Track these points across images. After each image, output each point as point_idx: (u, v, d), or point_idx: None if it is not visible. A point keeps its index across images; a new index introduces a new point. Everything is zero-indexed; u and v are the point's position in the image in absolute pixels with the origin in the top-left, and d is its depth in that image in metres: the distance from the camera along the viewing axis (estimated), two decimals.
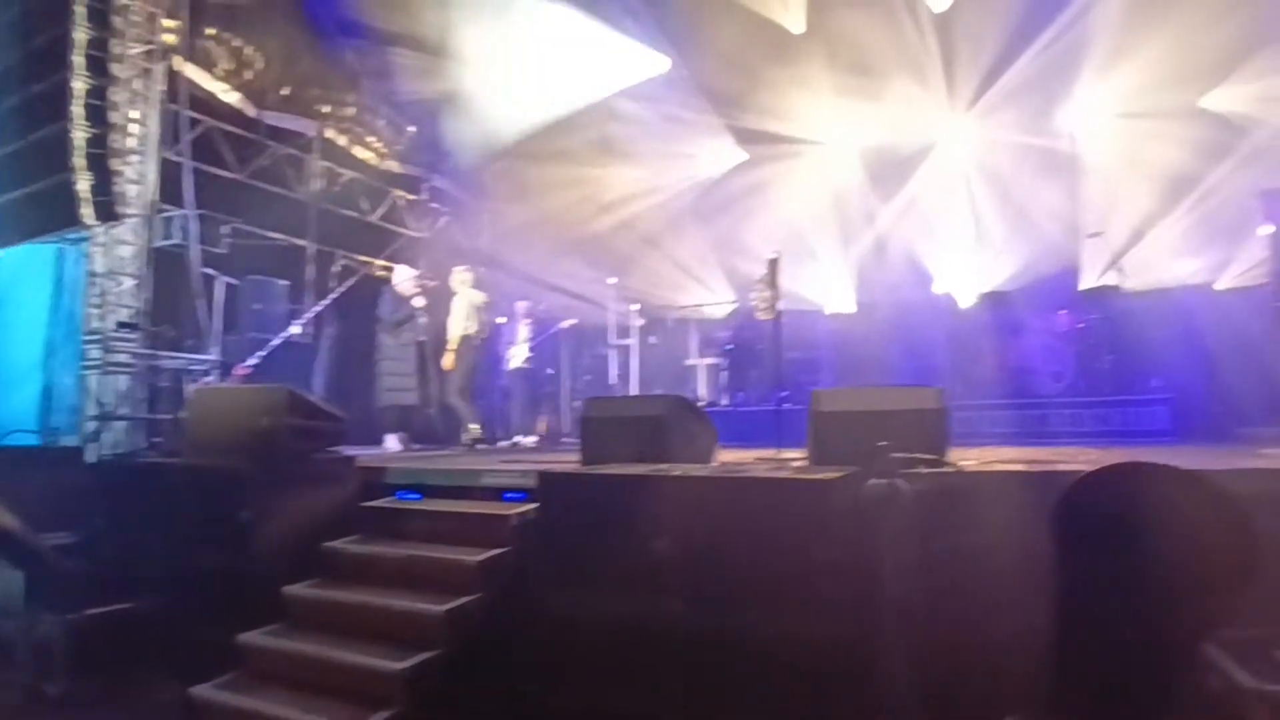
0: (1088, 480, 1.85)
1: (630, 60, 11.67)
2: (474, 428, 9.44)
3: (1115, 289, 10.02)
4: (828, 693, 3.51)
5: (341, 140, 11.99)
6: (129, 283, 8.65)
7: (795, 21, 10.94)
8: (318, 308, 10.64)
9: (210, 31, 9.97)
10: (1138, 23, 9.94)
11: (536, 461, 6.35)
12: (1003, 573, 3.88)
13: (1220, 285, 10.14)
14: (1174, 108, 10.34)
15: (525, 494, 5.08)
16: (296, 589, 5.13)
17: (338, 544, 5.36)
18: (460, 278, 9.79)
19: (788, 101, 11.54)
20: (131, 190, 8.37)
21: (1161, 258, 10.65)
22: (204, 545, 5.41)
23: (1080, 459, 5.63)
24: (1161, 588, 1.69)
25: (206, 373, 8.83)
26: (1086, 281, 10.58)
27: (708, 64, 11.54)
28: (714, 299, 12.23)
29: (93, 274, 8.15)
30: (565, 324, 10.95)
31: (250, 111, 10.62)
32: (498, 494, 5.26)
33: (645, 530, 3.78)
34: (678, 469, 4.07)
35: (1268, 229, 8.68)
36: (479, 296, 9.75)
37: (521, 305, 10.65)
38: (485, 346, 9.96)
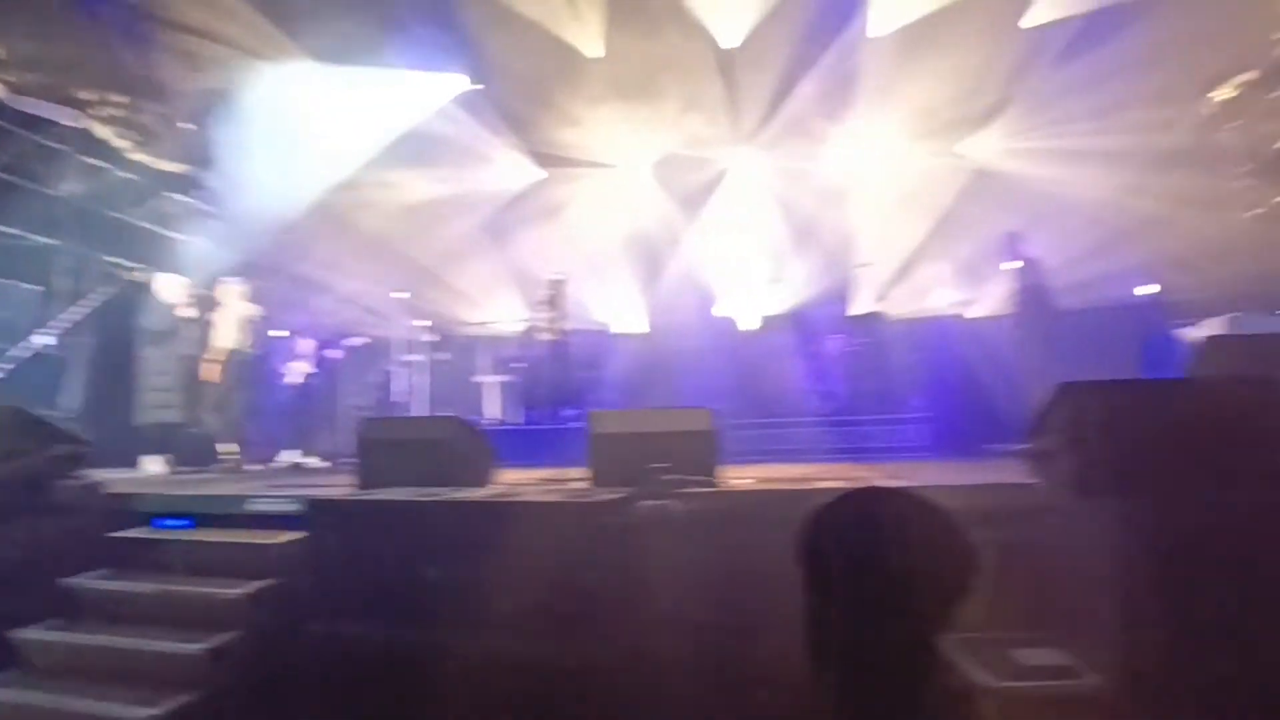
0: (828, 507, 1.97)
1: (424, 89, 11.67)
2: (229, 449, 8.94)
3: (881, 315, 10.75)
4: (605, 714, 3.54)
5: (105, 133, 11.00)
6: None
7: (593, 46, 11.07)
8: (72, 316, 9.71)
9: None
10: (905, 69, 10.77)
11: (309, 485, 6.06)
12: (769, 589, 4.06)
13: (976, 313, 11.11)
14: (936, 150, 11.32)
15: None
16: (30, 633, 4.65)
17: (81, 580, 4.89)
18: (229, 289, 9.20)
19: (583, 123, 11.68)
20: None
21: (923, 287, 11.56)
22: None
23: (848, 475, 6.03)
24: (894, 599, 1.84)
25: None
26: (856, 308, 11.29)
27: (505, 83, 11.53)
28: (506, 317, 12.14)
29: None
30: (354, 342, 10.50)
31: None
32: (265, 520, 4.98)
33: (418, 558, 3.69)
34: (451, 494, 3.99)
35: (1011, 265, 9.68)
36: (251, 309, 9.18)
37: (305, 319, 10.13)
38: (259, 362, 9.38)
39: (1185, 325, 8.26)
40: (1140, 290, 10.54)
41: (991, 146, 11.33)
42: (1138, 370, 9.46)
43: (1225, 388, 3.82)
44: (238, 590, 4.50)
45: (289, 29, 10.76)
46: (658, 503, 3.94)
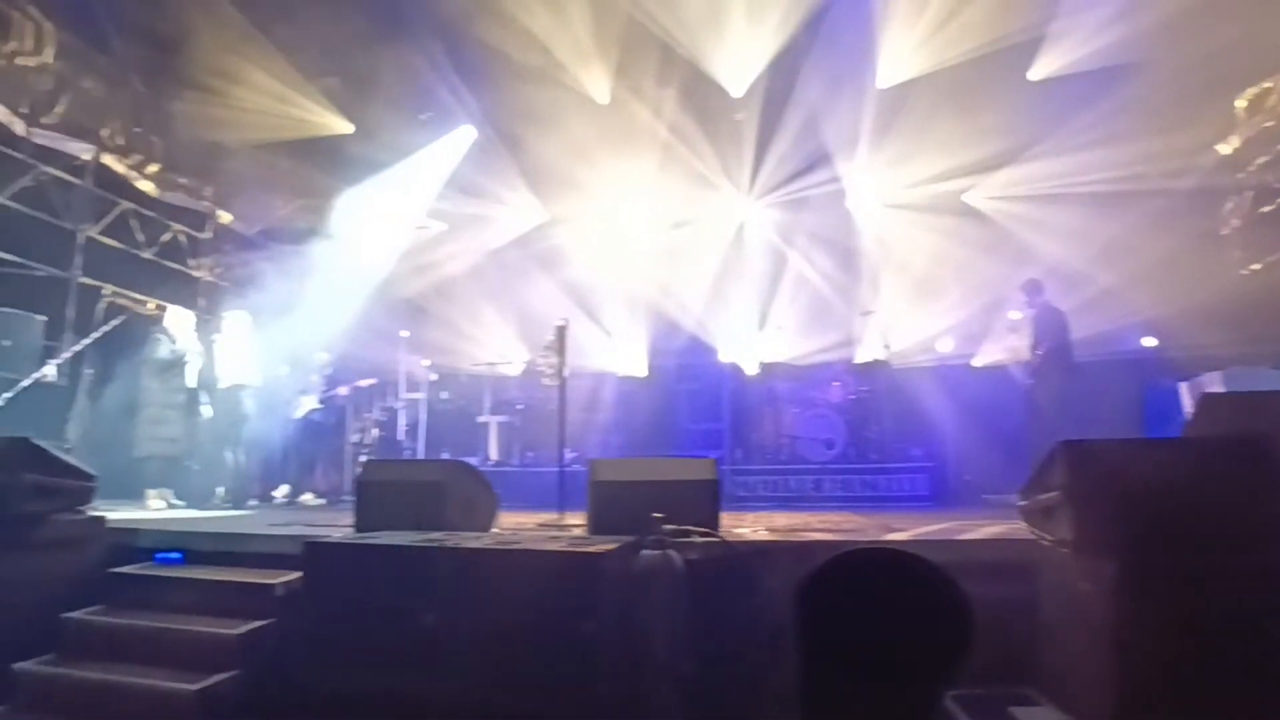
0: (822, 568, 2.00)
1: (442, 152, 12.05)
2: (220, 491, 8.98)
3: (884, 364, 10.78)
4: None
5: (119, 167, 11.15)
6: None
7: (601, 92, 11.23)
8: (77, 347, 9.76)
9: None
10: (912, 120, 10.91)
11: (308, 525, 6.07)
12: (766, 640, 4.08)
13: (976, 362, 11.13)
14: (940, 201, 11.43)
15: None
16: (27, 666, 4.64)
17: (79, 614, 4.90)
18: (236, 321, 9.27)
19: (589, 169, 11.80)
20: None
21: (925, 336, 11.60)
22: None
23: (845, 525, 6.03)
24: (891, 659, 1.87)
25: None
26: (859, 356, 11.33)
27: (514, 128, 11.70)
28: (507, 357, 12.21)
29: None
30: (363, 383, 10.54)
31: (17, 127, 9.72)
32: (262, 559, 4.99)
33: (415, 604, 3.70)
34: (450, 539, 4.00)
35: (1016, 314, 9.72)
36: (256, 343, 9.24)
37: (319, 356, 10.16)
38: (264, 396, 9.42)
39: (1185, 380, 8.28)
40: (1145, 342, 10.60)
41: (998, 196, 11.38)
42: (1140, 422, 9.52)
43: (1220, 447, 3.85)
44: (232, 630, 4.49)
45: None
46: (659, 552, 3.95)
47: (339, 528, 5.45)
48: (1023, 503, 4.62)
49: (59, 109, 10.12)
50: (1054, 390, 8.87)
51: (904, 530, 5.49)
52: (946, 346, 11.03)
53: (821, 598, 2.10)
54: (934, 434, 10.24)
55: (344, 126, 11.67)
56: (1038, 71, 10.31)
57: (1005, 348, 10.19)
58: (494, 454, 11.58)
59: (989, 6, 9.85)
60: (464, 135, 12.06)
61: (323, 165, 11.84)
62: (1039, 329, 9.20)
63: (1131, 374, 10.12)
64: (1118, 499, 3.66)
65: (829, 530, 5.70)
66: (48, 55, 9.66)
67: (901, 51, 10.58)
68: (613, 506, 4.71)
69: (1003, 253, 10.97)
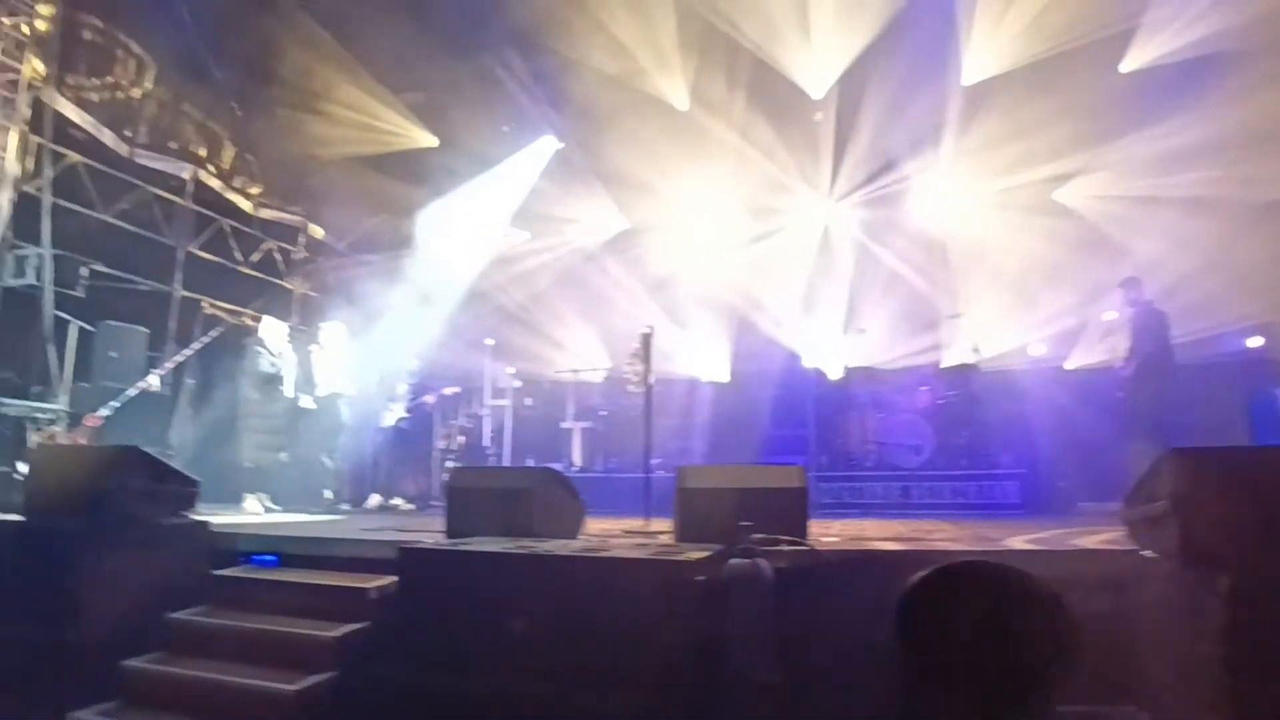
0: (924, 581, 1.95)
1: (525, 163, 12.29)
2: (327, 494, 9.24)
3: (972, 367, 10.52)
4: None
5: (216, 184, 11.63)
6: None
7: (680, 98, 11.24)
8: (179, 357, 10.18)
9: (84, 64, 9.60)
10: (1000, 116, 10.62)
11: (400, 530, 6.19)
12: (857, 654, 4.00)
13: (1069, 365, 10.77)
14: (1030, 200, 11.09)
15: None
16: (135, 663, 4.81)
17: (183, 615, 5.07)
18: (332, 332, 9.55)
19: (670, 175, 11.81)
20: None
21: (1015, 338, 11.27)
22: (34, 612, 5.04)
23: (935, 535, 5.89)
24: (997, 678, 1.81)
25: (52, 422, 8.33)
26: (947, 360, 11.08)
27: (594, 137, 11.79)
28: (591, 364, 12.28)
29: None
30: (448, 391, 10.74)
31: (122, 150, 10.22)
32: (357, 563, 5.11)
33: (505, 609, 3.73)
34: (539, 547, 4.03)
35: (1111, 314, 9.36)
36: (349, 352, 9.52)
37: (403, 363, 10.40)
38: (358, 404, 9.69)
39: None
40: (1250, 343, 10.13)
41: (1090, 194, 10.98)
42: (1247, 427, 9.09)
43: None
44: (329, 633, 4.60)
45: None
46: (748, 561, 3.91)
47: (430, 533, 5.54)
48: (1126, 512, 4.45)
49: (159, 131, 10.60)
50: (1152, 394, 8.49)
51: (998, 540, 5.34)
52: (1038, 349, 10.70)
53: (923, 614, 2.05)
54: (1025, 440, 9.91)
55: (428, 140, 11.94)
56: (1130, 63, 9.95)
57: (1105, 349, 9.81)
58: (578, 460, 11.66)
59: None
60: (545, 145, 12.23)
61: (408, 178, 12.13)
62: (1137, 330, 8.81)
63: (1236, 377, 9.69)
64: (1230, 509, 3.50)
65: (920, 540, 5.57)
66: (147, 84, 10.13)
67: (986, 47, 10.36)
68: (700, 514, 4.69)
69: (1096, 252, 10.61)
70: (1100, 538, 5.13)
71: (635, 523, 6.42)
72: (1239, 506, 3.47)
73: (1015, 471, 9.46)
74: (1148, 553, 4.07)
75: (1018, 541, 5.17)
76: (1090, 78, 9.98)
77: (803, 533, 4.60)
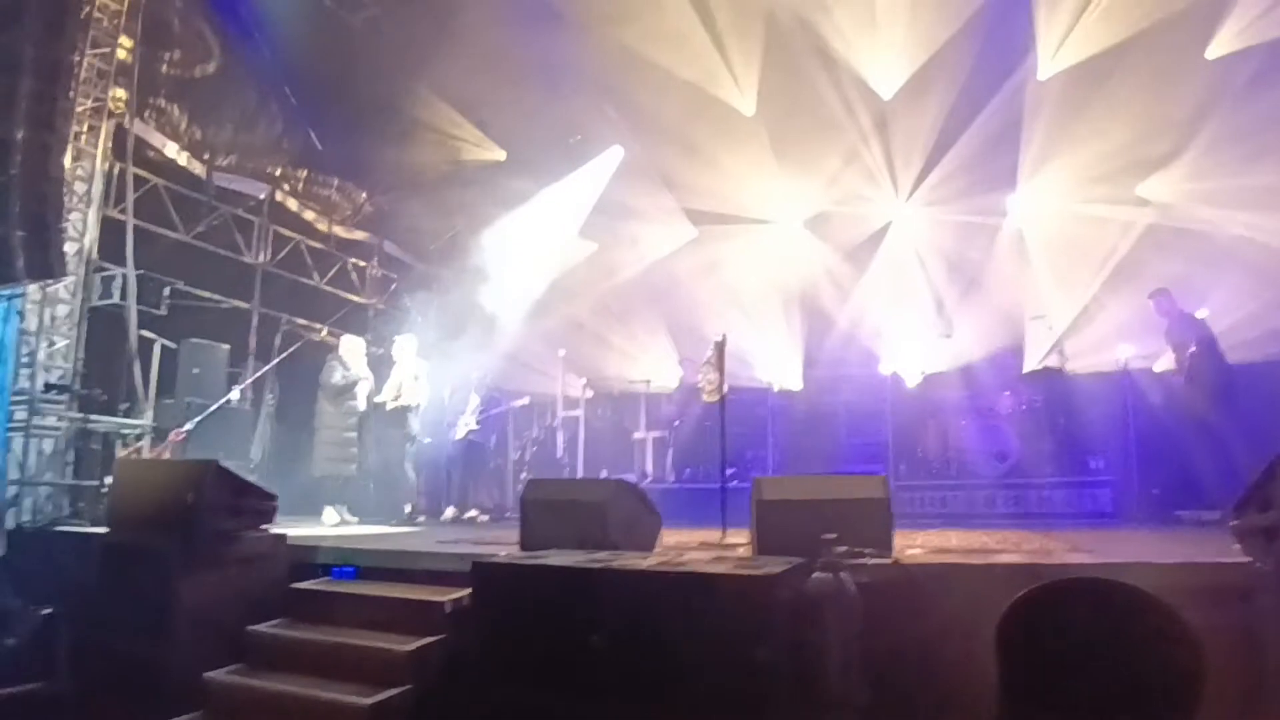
0: (1030, 598, 1.78)
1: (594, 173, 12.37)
2: (408, 506, 9.33)
3: (1057, 371, 10.15)
4: None
5: (292, 204, 11.90)
6: (62, 343, 8.45)
7: (746, 104, 11.11)
8: (258, 373, 10.39)
9: (164, 91, 9.89)
10: (1079, 110, 10.27)
11: (474, 542, 6.17)
12: (947, 673, 3.82)
13: (1159, 368, 10.32)
14: (1113, 195, 10.67)
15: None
16: (217, 675, 4.88)
17: (263, 628, 5.13)
18: (403, 345, 9.65)
19: (738, 181, 11.70)
20: (70, 248, 8.19)
21: (1102, 340, 10.83)
22: (118, 624, 5.15)
23: (1026, 546, 5.64)
24: (1112, 710, 1.63)
25: (139, 437, 8.54)
26: (1030, 363, 10.71)
27: (660, 145, 11.73)
28: (662, 373, 12.20)
29: (24, 332, 7.84)
30: (518, 403, 10.76)
31: (199, 172, 10.50)
32: (432, 576, 5.09)
33: (582, 624, 3.65)
34: (616, 561, 3.94)
35: (1204, 311, 8.97)
36: (422, 365, 9.60)
37: (475, 375, 10.46)
38: (429, 416, 9.77)
39: None
40: None
41: (1175, 188, 10.47)
42: None
43: None
44: (403, 646, 4.58)
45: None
46: (830, 575, 3.76)
47: (505, 545, 5.51)
48: (1237, 522, 4.18)
49: (236, 153, 10.87)
50: (1210, 397, 8.21)
51: (1093, 551, 5.08)
52: (1127, 352, 10.26)
53: (1026, 633, 1.90)
54: (1115, 445, 9.51)
55: (496, 154, 12.03)
56: (1216, 49, 9.47)
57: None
58: (651, 470, 11.60)
59: None
60: (613, 155, 12.22)
61: (479, 192, 12.22)
62: (1176, 340, 8.65)
63: None
64: None
65: (1010, 551, 5.33)
66: (215, 63, 10.32)
67: (1061, 41, 10.02)
68: (779, 526, 4.55)
69: (1184, 247, 10.14)
70: (1205, 548, 4.85)
71: (712, 534, 6.29)
72: None
73: (1106, 478, 9.12)
74: (1260, 564, 3.82)
75: (1119, 554, 4.91)
76: (1174, 65, 9.55)
77: (887, 545, 4.43)
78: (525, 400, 10.82)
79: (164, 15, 9.52)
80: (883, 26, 10.23)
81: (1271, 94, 9.24)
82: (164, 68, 9.78)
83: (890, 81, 10.83)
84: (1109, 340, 10.70)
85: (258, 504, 5.65)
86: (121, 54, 8.96)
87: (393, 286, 13.60)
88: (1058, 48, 10.07)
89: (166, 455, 8.32)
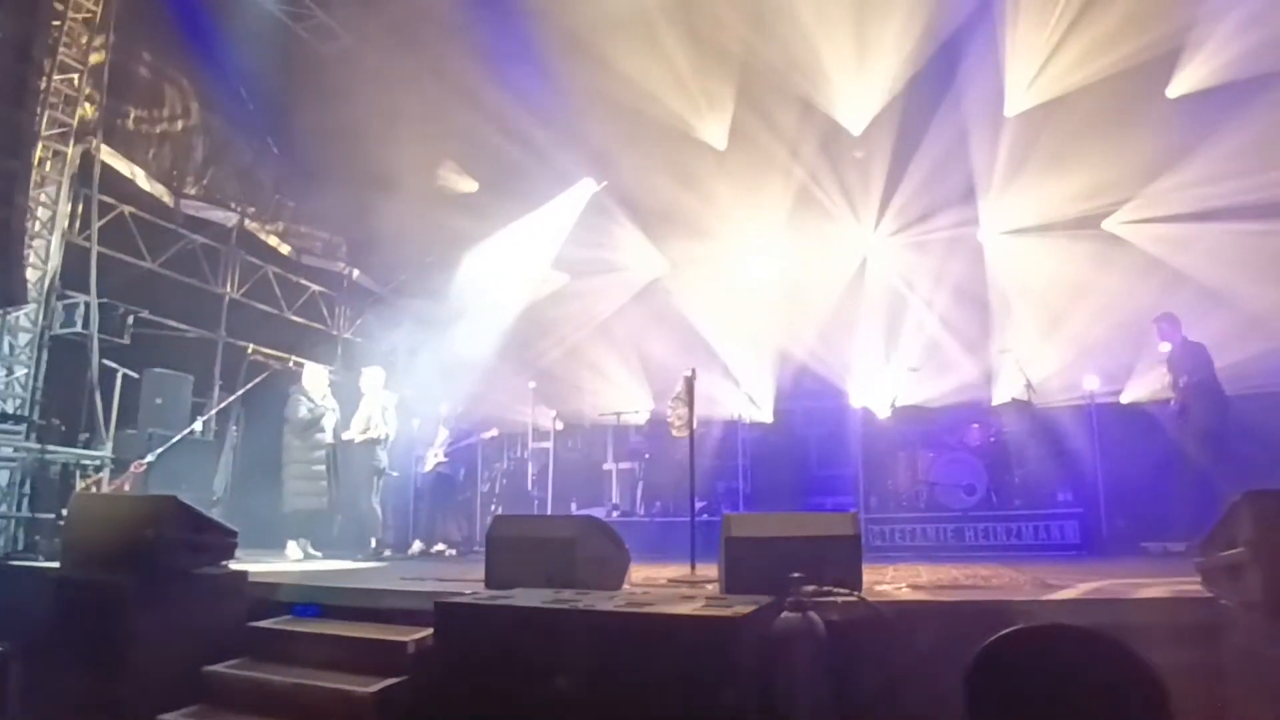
0: (995, 647, 1.78)
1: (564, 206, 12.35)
2: (373, 541, 9.20)
3: (1025, 403, 10.21)
4: None
5: (261, 233, 11.79)
6: (21, 371, 8.32)
7: (718, 138, 11.19)
8: (223, 404, 10.24)
9: (133, 118, 9.80)
10: (1046, 146, 10.47)
11: (439, 579, 6.08)
12: (915, 710, 3.80)
13: (1125, 399, 10.44)
14: (1079, 230, 10.87)
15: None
16: (172, 717, 4.74)
17: (221, 668, 4.99)
18: (371, 377, 9.55)
19: (710, 215, 11.77)
20: (33, 275, 8.07)
21: (1068, 373, 10.93)
22: (75, 663, 4.99)
23: (995, 581, 5.63)
24: None
25: (99, 468, 8.38)
26: (998, 396, 10.79)
27: (632, 179, 11.80)
28: (633, 405, 12.17)
29: None
30: (487, 435, 10.66)
31: (168, 200, 10.38)
32: (396, 615, 5.00)
33: (547, 666, 3.58)
34: (582, 601, 3.88)
35: (1166, 345, 9.09)
36: (390, 397, 9.51)
37: (444, 408, 10.36)
38: (398, 449, 9.67)
39: None
40: None
41: (1140, 221, 10.71)
42: None
43: None
44: (366, 688, 4.47)
45: None
46: (799, 615, 3.72)
47: (470, 582, 5.42)
48: (1202, 560, 4.20)
49: (205, 181, 10.77)
50: (1203, 429, 8.24)
51: (1063, 588, 5.08)
52: (1092, 383, 10.37)
53: (994, 683, 1.89)
54: (1083, 477, 9.61)
55: (468, 185, 12.03)
56: (1177, 88, 9.73)
57: (1161, 380, 9.46)
58: (620, 502, 11.54)
59: (1117, 23, 9.41)
60: (584, 188, 12.26)
61: (450, 224, 12.19)
62: (1176, 367, 8.65)
63: None
64: None
65: (978, 587, 5.33)
66: (191, 119, 10.29)
67: (1028, 78, 10.27)
68: (748, 564, 4.51)
69: (1149, 281, 10.32)
70: (1171, 584, 4.87)
71: (681, 569, 6.24)
72: None
73: (1073, 510, 9.18)
74: (1224, 601, 3.84)
75: (1086, 589, 4.92)
76: (1136, 104, 9.77)
77: (857, 582, 4.40)
78: (494, 432, 10.73)
79: (131, 67, 9.51)
80: (849, 64, 10.37)
81: (1233, 132, 9.47)
82: (142, 72, 9.75)
83: (859, 118, 11.01)
84: (1075, 372, 10.83)
85: (218, 540, 5.52)
86: (90, 78, 8.89)
87: (361, 317, 13.49)
88: (1027, 85, 10.28)
89: (127, 487, 8.18)
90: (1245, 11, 8.99)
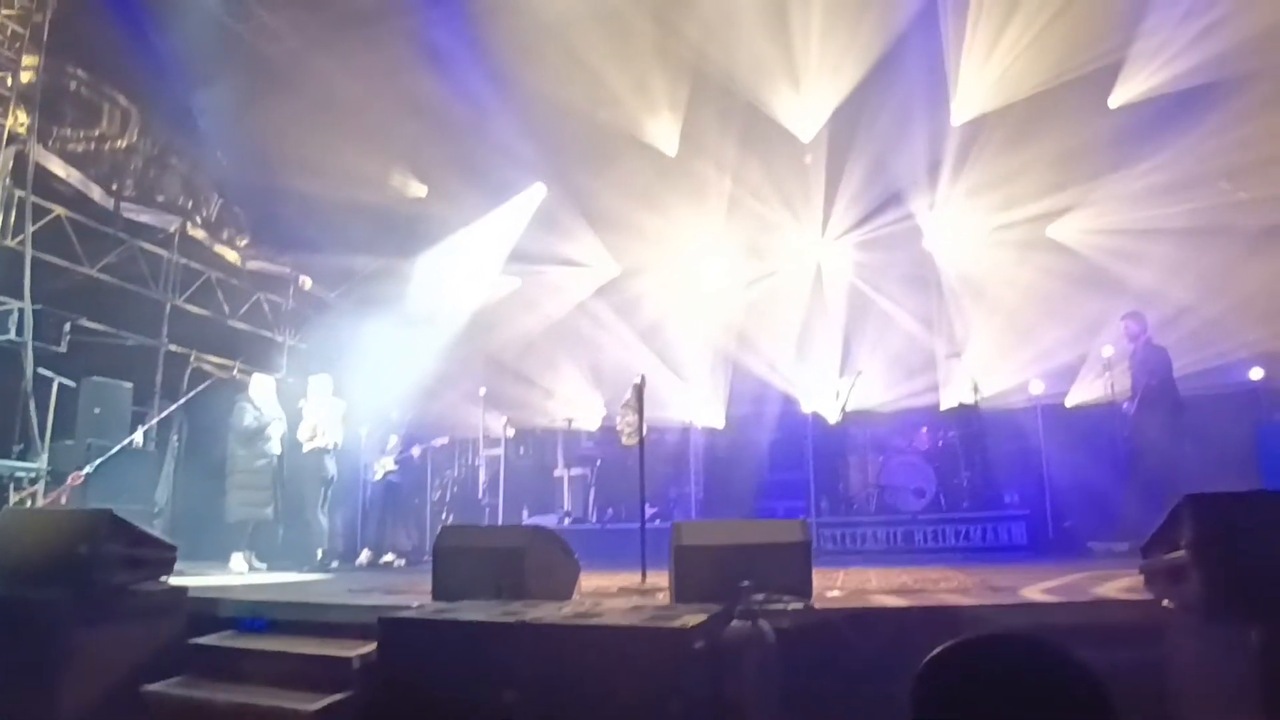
0: (940, 658, 1.77)
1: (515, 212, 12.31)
2: (320, 552, 9.03)
3: (972, 407, 10.34)
4: None
5: (203, 236, 11.50)
6: None
7: (669, 144, 11.22)
8: (164, 413, 9.98)
9: (69, 118, 9.52)
10: (992, 154, 10.64)
11: (386, 592, 5.98)
12: (866, 717, 3.79)
13: (1070, 402, 10.62)
14: (1024, 236, 11.04)
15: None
16: None
17: (159, 687, 4.83)
18: (319, 385, 9.38)
19: (660, 221, 11.79)
20: None
21: (1014, 376, 11.11)
22: (5, 684, 4.80)
23: (944, 584, 5.67)
24: None
25: (34, 481, 8.12)
26: (946, 400, 10.92)
27: (583, 184, 11.77)
28: (584, 411, 12.12)
29: None
30: (437, 442, 10.52)
31: (107, 203, 10.09)
32: (342, 629, 4.90)
33: (494, 680, 3.53)
34: (529, 613, 3.83)
35: (1109, 350, 9.25)
36: (338, 405, 9.35)
37: (394, 414, 10.20)
38: (346, 457, 9.51)
39: None
40: (1252, 375, 9.98)
41: (1084, 228, 10.94)
42: (1255, 462, 8.93)
43: None
44: (309, 705, 4.37)
45: None
46: (748, 623, 3.71)
47: (417, 595, 5.33)
48: (1144, 562, 4.27)
49: (145, 184, 10.50)
50: (1157, 431, 8.37)
51: (1009, 590, 5.14)
52: (1038, 387, 10.54)
53: (940, 694, 1.88)
54: (1030, 479, 9.74)
55: (417, 189, 11.90)
56: (1118, 98, 9.95)
57: (1104, 385, 9.63)
58: (573, 509, 11.48)
59: (1061, 35, 9.61)
60: (535, 193, 12.20)
61: (398, 228, 12.07)
62: (1138, 367, 8.74)
63: (1242, 409, 9.55)
64: (1255, 559, 3.32)
65: (927, 590, 5.36)
66: (133, 136, 10.06)
67: (974, 87, 10.43)
68: (698, 572, 4.49)
69: (1092, 286, 10.56)
70: (1115, 585, 4.94)
71: (632, 578, 6.20)
72: (1264, 556, 3.29)
73: (1021, 512, 9.31)
74: (1166, 603, 3.90)
75: (1032, 591, 4.97)
76: (1079, 114, 9.98)
77: (807, 589, 4.41)
78: (445, 440, 10.60)
79: (64, 84, 9.27)
80: (798, 71, 10.45)
81: (1171, 137, 9.71)
82: (72, 86, 9.48)
83: (808, 124, 11.11)
84: (1021, 376, 11.00)
85: (156, 554, 5.36)
86: (25, 76, 8.63)
87: (308, 324, 13.23)
88: (973, 93, 10.44)
89: (64, 500, 7.94)
90: (1182, 30, 9.23)
